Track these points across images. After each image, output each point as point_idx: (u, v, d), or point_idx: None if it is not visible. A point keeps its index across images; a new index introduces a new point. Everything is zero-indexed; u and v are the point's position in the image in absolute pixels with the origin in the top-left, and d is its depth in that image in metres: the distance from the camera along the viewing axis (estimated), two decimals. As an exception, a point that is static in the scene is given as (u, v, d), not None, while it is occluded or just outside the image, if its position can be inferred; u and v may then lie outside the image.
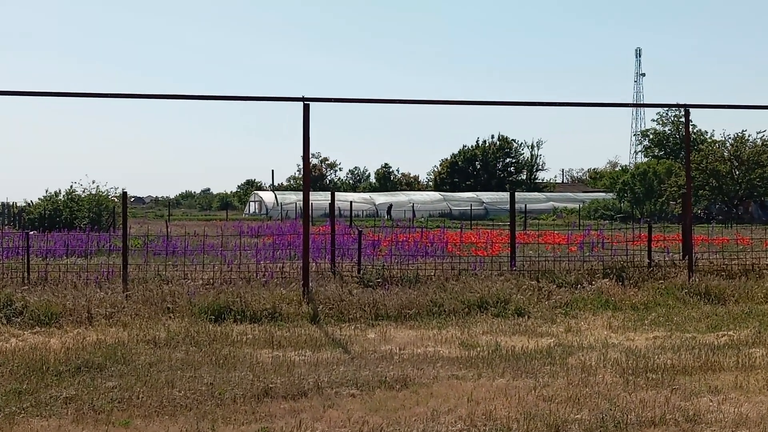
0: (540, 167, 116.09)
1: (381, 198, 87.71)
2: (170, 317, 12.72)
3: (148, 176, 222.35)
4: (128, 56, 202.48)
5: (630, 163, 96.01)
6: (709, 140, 76.28)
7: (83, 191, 42.59)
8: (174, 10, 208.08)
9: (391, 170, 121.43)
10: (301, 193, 15.05)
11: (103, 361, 9.72)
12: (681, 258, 18.24)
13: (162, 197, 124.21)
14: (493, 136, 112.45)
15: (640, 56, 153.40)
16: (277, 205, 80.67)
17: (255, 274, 16.31)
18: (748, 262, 18.91)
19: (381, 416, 7.49)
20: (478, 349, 10.80)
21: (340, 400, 8.13)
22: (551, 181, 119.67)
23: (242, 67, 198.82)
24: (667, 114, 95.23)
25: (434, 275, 16.43)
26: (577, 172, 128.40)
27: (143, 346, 10.79)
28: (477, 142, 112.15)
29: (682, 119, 23.76)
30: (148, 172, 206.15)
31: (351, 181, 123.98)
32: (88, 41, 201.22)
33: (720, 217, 63.79)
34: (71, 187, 42.84)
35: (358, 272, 16.48)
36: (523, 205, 63.14)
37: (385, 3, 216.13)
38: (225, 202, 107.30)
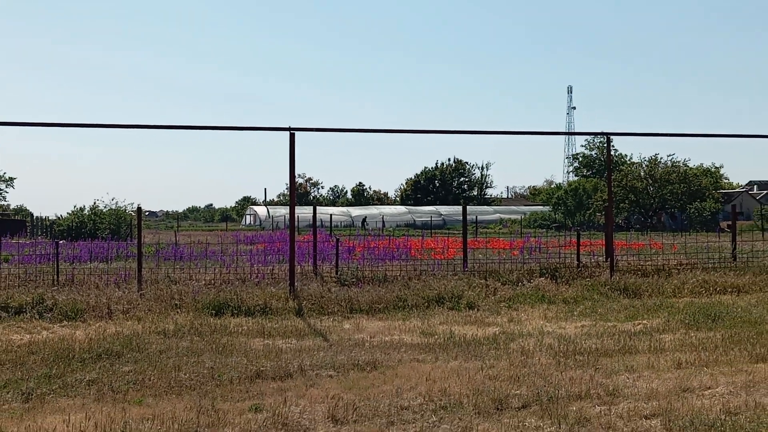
0: (488, 185, 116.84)
1: (356, 211, 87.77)
2: (177, 312, 12.70)
3: (160, 193, 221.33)
4: (142, 92, 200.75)
5: (563, 181, 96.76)
6: (628, 162, 76.92)
7: (105, 207, 42.62)
8: (189, 53, 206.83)
9: (364, 188, 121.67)
10: (297, 208, 15.07)
11: (121, 349, 9.71)
12: (604, 260, 18.37)
13: (172, 211, 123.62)
14: (449, 159, 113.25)
15: (571, 92, 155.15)
16: (269, 217, 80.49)
17: (249, 276, 16.29)
18: (659, 263, 19.05)
19: (354, 393, 7.53)
20: (436, 336, 10.85)
21: (320, 380, 8.17)
22: (498, 196, 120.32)
23: (237, 98, 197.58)
24: (593, 140, 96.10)
25: (399, 275, 16.47)
26: (520, 189, 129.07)
27: (154, 336, 10.77)
28: (436, 163, 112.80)
29: (605, 145, 23.83)
30: (159, 190, 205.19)
31: (331, 197, 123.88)
32: (117, 81, 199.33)
33: (637, 225, 64.31)
34: (95, 203, 42.98)
35: (336, 273, 16.50)
36: (474, 217, 63.44)
37: (361, 43, 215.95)
38: (225, 215, 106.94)
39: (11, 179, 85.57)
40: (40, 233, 44.78)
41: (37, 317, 12.46)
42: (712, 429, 6.25)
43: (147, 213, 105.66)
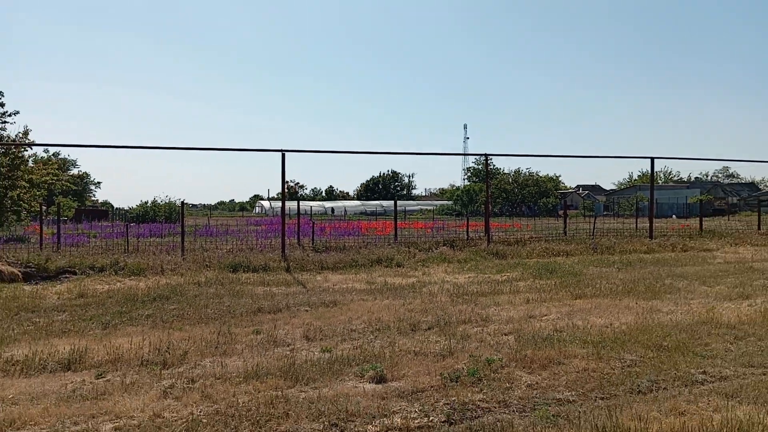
0: (413, 187, 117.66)
1: (328, 204, 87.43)
2: (207, 270, 12.52)
3: (200, 191, 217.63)
4: (186, 125, 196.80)
5: (461, 184, 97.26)
6: (501, 172, 77.69)
7: (161, 201, 41.93)
8: (207, 95, 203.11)
9: (334, 188, 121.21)
10: (287, 202, 14.98)
11: (169, 294, 9.55)
12: (484, 235, 18.61)
13: (207, 203, 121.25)
14: (388, 170, 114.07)
15: (466, 128, 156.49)
16: (271, 208, 79.60)
17: (255, 246, 16.14)
18: (518, 237, 19.35)
19: (321, 321, 7.52)
20: (375, 284, 10.87)
21: (299, 313, 8.14)
22: (419, 194, 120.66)
23: (250, 128, 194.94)
24: (479, 159, 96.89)
25: (354, 245, 16.47)
26: (434, 190, 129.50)
27: (191, 286, 10.62)
28: (380, 173, 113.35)
29: (485, 161, 24.05)
30: (199, 189, 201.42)
31: (312, 194, 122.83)
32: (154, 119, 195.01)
33: (507, 213, 65.05)
34: (154, 198, 42.35)
35: (312, 244, 16.43)
36: (404, 208, 63.58)
37: (332, 79, 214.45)
38: (242, 207, 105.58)
39: (98, 182, 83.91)
40: (117, 219, 43.68)
41: (113, 274, 12.19)
42: (546, 340, 6.37)
43: (190, 205, 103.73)
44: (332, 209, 78.39)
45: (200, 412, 4.39)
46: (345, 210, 74.43)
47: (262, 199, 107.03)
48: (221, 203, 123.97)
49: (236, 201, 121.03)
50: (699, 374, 5.23)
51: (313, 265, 13.36)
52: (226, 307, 8.45)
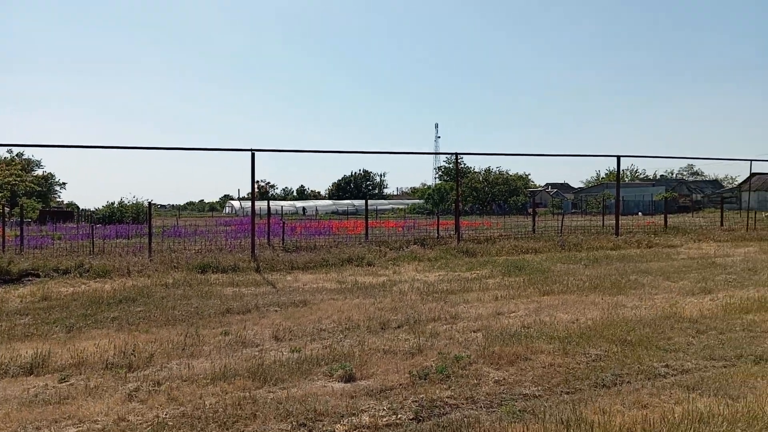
0: (385, 186, 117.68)
1: (300, 204, 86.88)
2: (175, 271, 12.33)
3: (169, 191, 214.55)
4: (162, 120, 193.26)
5: (432, 183, 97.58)
6: (472, 171, 78.18)
7: (128, 201, 41.19)
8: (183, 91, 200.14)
9: (305, 188, 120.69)
10: (257, 201, 14.76)
11: (135, 296, 9.37)
12: (454, 233, 18.71)
13: (176, 204, 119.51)
14: (360, 169, 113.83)
15: (437, 127, 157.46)
16: (241, 208, 78.88)
17: (225, 246, 15.98)
18: (488, 235, 19.50)
19: (290, 321, 7.47)
20: (346, 284, 10.83)
21: (268, 313, 8.06)
22: (391, 193, 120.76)
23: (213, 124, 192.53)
24: (450, 157, 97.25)
25: (325, 245, 16.41)
26: (405, 189, 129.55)
27: (159, 287, 10.44)
28: (351, 172, 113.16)
29: (456, 160, 24.19)
30: (168, 188, 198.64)
31: (283, 194, 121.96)
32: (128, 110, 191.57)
33: (477, 211, 65.53)
34: (121, 199, 41.54)
35: (282, 244, 16.33)
36: (375, 207, 63.69)
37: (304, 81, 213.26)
38: (212, 207, 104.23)
39: (64, 183, 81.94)
40: (83, 220, 42.79)
41: (78, 276, 11.92)
42: (513, 336, 6.44)
43: (158, 206, 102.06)
44: (304, 209, 78.02)
45: (166, 414, 4.33)
46: (316, 209, 74.14)
47: (233, 199, 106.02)
48: (190, 204, 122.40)
49: (206, 201, 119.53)
50: (662, 368, 5.33)
51: (283, 265, 13.26)
52: (194, 309, 8.33)
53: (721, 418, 3.96)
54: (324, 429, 4.04)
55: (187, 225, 28.78)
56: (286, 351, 6.03)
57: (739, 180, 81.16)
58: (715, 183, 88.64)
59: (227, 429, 4.05)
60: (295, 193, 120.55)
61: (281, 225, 18.58)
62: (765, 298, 8.58)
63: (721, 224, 25.55)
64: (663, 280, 10.68)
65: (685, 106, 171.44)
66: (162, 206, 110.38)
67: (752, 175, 37.55)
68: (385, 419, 4.17)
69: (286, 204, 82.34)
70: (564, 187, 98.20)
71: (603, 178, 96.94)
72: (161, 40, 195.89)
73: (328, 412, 4.30)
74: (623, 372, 5.20)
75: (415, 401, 4.53)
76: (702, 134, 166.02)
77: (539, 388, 4.83)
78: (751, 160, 25.15)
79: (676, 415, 4.02)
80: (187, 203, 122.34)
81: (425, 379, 5.03)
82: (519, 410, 4.30)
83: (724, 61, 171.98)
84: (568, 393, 4.72)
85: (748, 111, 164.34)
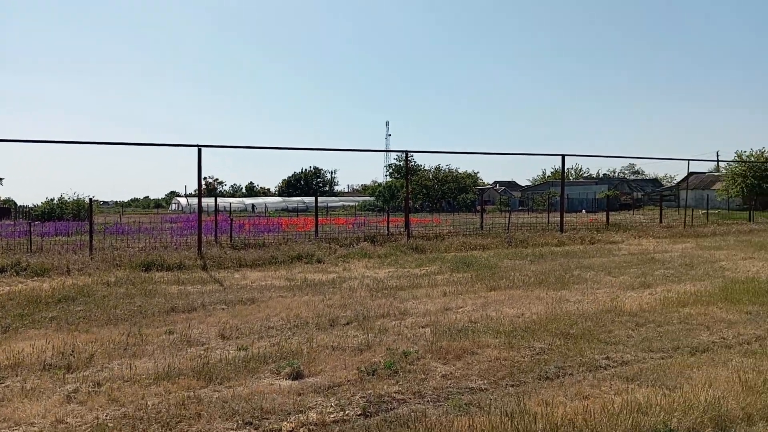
0: (335, 183, 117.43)
1: (249, 201, 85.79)
2: (118, 269, 11.91)
3: (112, 187, 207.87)
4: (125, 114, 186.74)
5: (383, 181, 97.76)
6: (423, 169, 78.76)
7: (69, 198, 39.72)
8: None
9: (254, 185, 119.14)
10: (204, 198, 14.46)
11: (75, 295, 9.01)
12: (404, 230, 18.81)
13: (119, 201, 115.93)
14: (310, 166, 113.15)
15: (388, 126, 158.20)
16: (188, 205, 77.19)
17: (170, 244, 15.62)
18: (438, 231, 19.70)
19: (238, 319, 7.35)
20: (295, 281, 10.72)
21: (215, 311, 7.90)
22: (342, 190, 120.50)
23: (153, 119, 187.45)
24: (401, 155, 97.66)
25: (274, 242, 16.23)
26: (356, 186, 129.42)
27: (100, 286, 10.07)
28: (302, 169, 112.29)
29: (405, 158, 24.29)
30: (112, 185, 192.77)
31: (232, 191, 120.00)
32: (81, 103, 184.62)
33: (427, 208, 66.05)
34: (61, 195, 40.00)
35: (230, 241, 16.08)
36: (326, 204, 63.40)
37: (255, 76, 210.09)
38: (157, 204, 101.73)
39: (0, 179, 78.39)
40: (21, 217, 41.09)
41: (15, 274, 11.40)
42: (461, 331, 6.51)
43: (100, 202, 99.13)
44: (253, 206, 77.06)
45: (106, 416, 4.20)
46: (266, 206, 73.35)
47: (179, 195, 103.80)
48: (135, 200, 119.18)
49: (151, 198, 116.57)
50: (602, 360, 5.49)
51: (231, 263, 13.04)
52: (137, 308, 8.09)
53: (659, 407, 4.10)
54: (270, 427, 3.99)
55: (131, 222, 28.00)
56: (233, 349, 5.93)
57: (678, 179, 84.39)
58: (655, 182, 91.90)
59: (170, 429, 3.95)
60: (244, 190, 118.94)
61: (229, 222, 18.26)
62: (700, 292, 8.93)
63: (660, 221, 26.51)
64: (605, 275, 11.00)
65: (627, 108, 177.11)
66: (105, 203, 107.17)
67: (690, 174, 39.07)
68: (332, 415, 4.15)
69: (235, 201, 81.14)
70: (512, 185, 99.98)
71: (549, 176, 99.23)
72: (104, 33, 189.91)
73: (274, 409, 4.25)
74: (566, 364, 5.32)
75: (363, 397, 4.53)
76: (643, 135, 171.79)
77: (485, 381, 4.90)
78: (689, 160, 26.16)
79: (615, 406, 4.14)
80: (131, 200, 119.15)
81: (373, 375, 5.03)
82: (465, 404, 4.35)
83: (664, 67, 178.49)
84: (513, 386, 4.80)
85: (687, 113, 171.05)
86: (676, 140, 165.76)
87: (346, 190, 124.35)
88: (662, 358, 5.56)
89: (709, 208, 35.18)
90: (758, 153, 51.42)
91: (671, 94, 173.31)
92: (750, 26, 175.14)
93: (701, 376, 4.88)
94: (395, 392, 4.64)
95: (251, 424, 4.04)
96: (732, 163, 51.71)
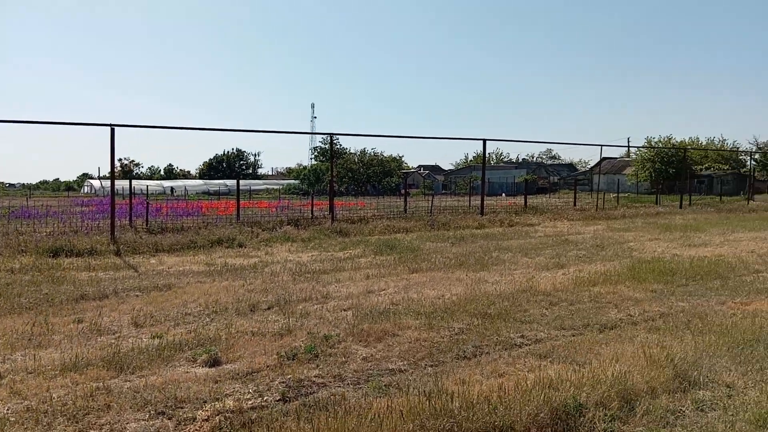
0: (259, 166, 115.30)
1: (168, 183, 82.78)
2: (23, 255, 11.19)
3: (19, 168, 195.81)
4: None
5: (309, 164, 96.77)
6: (348, 152, 78.59)
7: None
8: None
9: (174, 167, 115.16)
10: (119, 181, 13.76)
11: (-25, 284, 8.45)
12: (329, 213, 18.72)
13: (27, 183, 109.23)
14: (233, 148, 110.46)
15: (313, 108, 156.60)
16: (102, 188, 73.83)
17: (81, 228, 14.86)
18: (362, 215, 19.72)
19: (153, 306, 7.09)
20: (215, 266, 10.45)
21: (128, 299, 7.58)
22: (266, 173, 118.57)
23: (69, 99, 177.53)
24: (326, 138, 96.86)
25: (193, 226, 15.76)
26: (281, 169, 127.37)
27: (3, 273, 9.44)
28: (224, 151, 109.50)
29: (330, 141, 24.18)
30: (17, 167, 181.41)
31: (149, 173, 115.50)
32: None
33: (353, 192, 66.05)
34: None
35: (146, 225, 15.48)
36: (248, 187, 62.25)
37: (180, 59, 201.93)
38: (68, 186, 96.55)
39: None
40: None
41: None
42: (382, 314, 6.55)
43: (6, 184, 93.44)
44: (172, 189, 74.47)
45: (8, 410, 3.95)
46: (186, 190, 70.96)
47: (92, 178, 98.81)
48: (44, 183, 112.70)
49: (62, 180, 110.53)
50: (518, 338, 5.66)
51: (146, 248, 12.55)
52: (43, 296, 7.65)
53: (569, 383, 4.26)
54: (185, 416, 3.87)
55: (39, 205, 26.44)
56: (147, 337, 5.72)
57: (591, 164, 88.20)
58: (570, 166, 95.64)
59: (77, 422, 3.76)
60: (162, 173, 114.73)
61: (146, 205, 17.57)
62: (610, 272, 9.37)
63: (575, 204, 27.61)
64: (522, 257, 11.35)
65: (545, 94, 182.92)
66: (11, 185, 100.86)
67: (602, 159, 40.86)
68: (250, 402, 4.08)
69: (153, 184, 78.09)
70: (435, 169, 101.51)
71: (471, 160, 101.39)
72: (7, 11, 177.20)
73: (189, 398, 4.12)
74: (483, 344, 5.45)
75: (283, 382, 4.47)
76: (560, 122, 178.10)
77: (405, 362, 4.95)
78: (601, 146, 27.32)
79: (529, 382, 4.27)
80: (40, 182, 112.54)
81: (293, 360, 4.97)
82: (385, 385, 4.37)
83: (581, 59, 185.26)
84: (432, 366, 4.87)
85: (601, 101, 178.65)
86: (591, 127, 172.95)
87: (270, 173, 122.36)
88: (573, 336, 5.80)
89: (620, 191, 36.94)
90: (666, 139, 54.46)
91: (587, 82, 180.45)
92: (658, 14, 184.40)
93: (609, 352, 5.11)
94: (315, 376, 4.60)
95: (164, 414, 3.91)
96: (641, 149, 54.48)
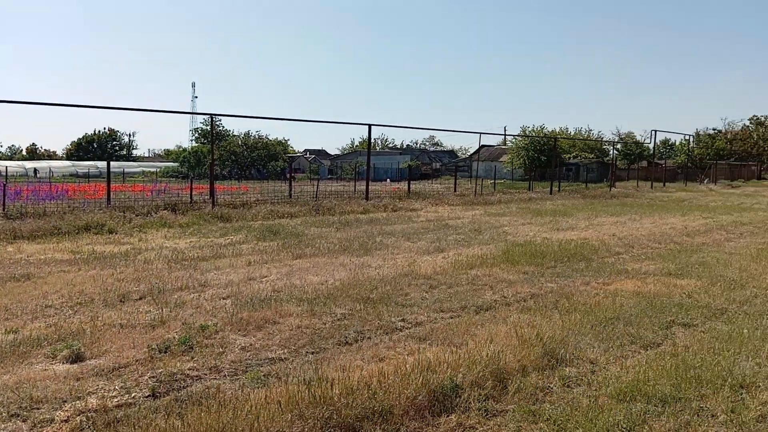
0: (135, 147, 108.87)
1: (30, 164, 76.02)
2: None
3: None
4: None
5: (189, 145, 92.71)
6: (231, 134, 76.20)
7: None
8: None
9: (37, 147, 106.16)
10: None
11: None
12: (209, 198, 18.04)
13: None
14: (105, 128, 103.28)
15: (194, 87, 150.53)
16: (-47, 169, 66.66)
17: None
18: (245, 200, 19.22)
19: (8, 298, 6.46)
20: (82, 254, 9.70)
21: (-21, 291, 6.88)
22: (142, 155, 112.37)
23: None
24: (208, 119, 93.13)
25: (58, 210, 14.57)
26: (158, 151, 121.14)
27: None
28: (95, 131, 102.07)
29: (212, 121, 23.15)
30: None
31: (9, 153, 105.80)
32: None
33: (236, 176, 64.24)
34: None
35: (3, 210, 14.12)
36: (122, 169, 58.76)
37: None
38: None
39: None
40: None
41: None
42: (263, 301, 6.38)
43: None
44: (35, 170, 68.49)
45: None
46: (51, 171, 65.68)
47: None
48: None
49: None
50: (399, 322, 5.73)
51: (3, 235, 11.41)
52: None
53: (446, 365, 4.35)
54: (41, 418, 3.55)
55: None
56: (0, 333, 5.19)
57: (471, 151, 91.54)
58: (452, 153, 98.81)
59: None
60: (25, 153, 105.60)
61: (2, 188, 16.01)
62: (486, 255, 9.75)
63: (455, 190, 28.53)
64: (404, 241, 11.55)
65: (431, 83, 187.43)
66: None
67: (481, 147, 42.52)
68: (115, 400, 3.81)
69: (13, 165, 71.54)
70: (322, 153, 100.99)
71: (357, 146, 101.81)
72: None
73: (47, 398, 3.79)
74: (365, 328, 5.46)
75: (153, 377, 4.22)
76: (442, 108, 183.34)
77: (286, 350, 4.85)
78: (480, 133, 28.50)
79: (408, 366, 4.32)
80: None
81: (166, 353, 4.72)
82: (264, 375, 4.26)
83: (465, 52, 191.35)
84: (313, 353, 4.81)
85: (482, 92, 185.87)
86: (472, 115, 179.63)
87: (147, 156, 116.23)
88: (452, 318, 5.96)
89: (497, 178, 38.63)
90: (539, 128, 57.55)
91: (470, 73, 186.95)
92: (533, 13, 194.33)
93: (484, 332, 5.30)
94: (189, 369, 4.39)
95: (18, 416, 3.56)
96: (517, 137, 57.26)
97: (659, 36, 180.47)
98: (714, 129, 74.21)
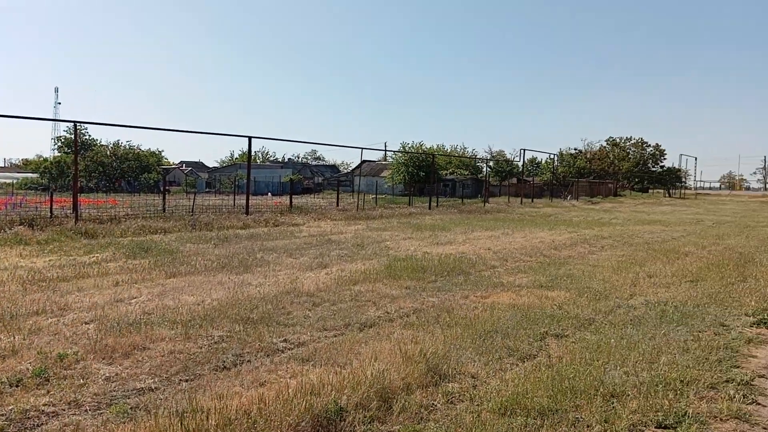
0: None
1: None
2: None
3: None
4: None
5: (51, 155, 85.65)
6: (98, 144, 71.56)
7: None
8: None
9: None
10: None
11: None
12: (72, 212, 16.71)
13: None
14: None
15: (57, 92, 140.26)
16: None
17: None
18: (113, 214, 18.01)
19: None
20: None
21: None
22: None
23: None
24: (71, 127, 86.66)
25: None
26: (16, 161, 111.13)
27: None
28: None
29: (75, 129, 21.62)
30: None
31: None
32: None
33: (104, 188, 60.37)
34: None
35: None
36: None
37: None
38: None
39: None
40: None
41: None
42: (132, 325, 5.91)
43: None
44: None
45: None
46: None
47: None
48: None
49: None
50: (281, 343, 5.52)
51: None
52: None
53: (330, 386, 4.22)
54: None
55: None
56: None
57: (353, 166, 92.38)
58: (334, 167, 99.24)
59: None
60: None
61: None
62: (369, 270, 9.75)
63: (338, 205, 28.54)
64: (286, 257, 11.29)
65: (313, 95, 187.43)
66: None
67: (363, 162, 42.98)
68: (-48, 447, 3.31)
69: None
70: (199, 166, 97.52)
71: (237, 158, 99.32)
72: None
73: None
74: (245, 351, 5.21)
75: (2, 415, 3.74)
76: (325, 123, 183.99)
77: (157, 379, 4.49)
78: (362, 148, 28.78)
79: (290, 390, 4.14)
80: None
81: (18, 387, 4.22)
82: (131, 408, 3.90)
83: (344, 71, 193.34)
84: (187, 381, 4.49)
85: (363, 108, 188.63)
86: (353, 130, 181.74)
87: (2, 165, 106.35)
88: (335, 336, 5.83)
89: (378, 193, 39.18)
90: (418, 145, 59.14)
91: (349, 91, 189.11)
92: (405, 37, 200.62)
93: (368, 351, 5.22)
94: (45, 405, 3.93)
95: None
96: (397, 153, 58.51)
97: (528, 65, 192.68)
98: (575, 149, 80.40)
